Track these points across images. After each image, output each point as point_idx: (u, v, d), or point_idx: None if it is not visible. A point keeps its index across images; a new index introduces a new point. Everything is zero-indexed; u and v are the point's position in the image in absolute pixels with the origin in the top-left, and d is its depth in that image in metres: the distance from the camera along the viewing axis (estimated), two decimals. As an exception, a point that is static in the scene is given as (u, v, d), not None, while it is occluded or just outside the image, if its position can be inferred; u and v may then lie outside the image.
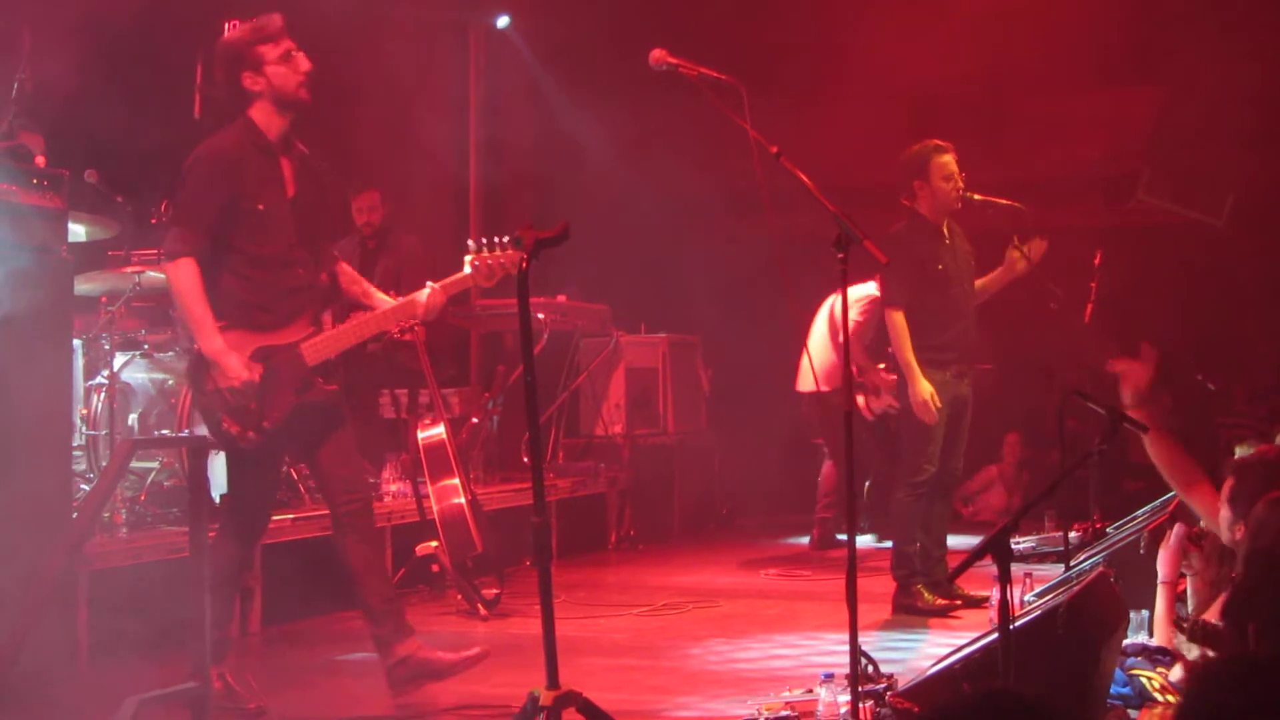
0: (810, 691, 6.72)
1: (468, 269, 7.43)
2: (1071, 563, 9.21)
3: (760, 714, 6.68)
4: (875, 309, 11.98)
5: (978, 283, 10.24)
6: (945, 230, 10.08)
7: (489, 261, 7.43)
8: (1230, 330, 16.86)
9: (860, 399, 12.48)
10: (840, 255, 6.35)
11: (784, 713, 6.62)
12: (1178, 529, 7.38)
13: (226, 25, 11.80)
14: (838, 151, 14.58)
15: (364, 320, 7.49)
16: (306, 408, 7.21)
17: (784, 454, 14.79)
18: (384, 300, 7.62)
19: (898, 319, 9.82)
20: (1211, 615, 6.49)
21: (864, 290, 12.38)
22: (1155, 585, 7.57)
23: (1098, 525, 11.38)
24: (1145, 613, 7.69)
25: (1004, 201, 10.00)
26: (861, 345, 12.54)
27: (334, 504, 7.40)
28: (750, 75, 7.02)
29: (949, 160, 9.98)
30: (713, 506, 14.60)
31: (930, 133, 10.25)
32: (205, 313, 7.05)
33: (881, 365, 12.45)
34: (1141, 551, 8.53)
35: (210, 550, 6.97)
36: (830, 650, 8.39)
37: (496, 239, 7.40)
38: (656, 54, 7.27)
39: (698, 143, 12.08)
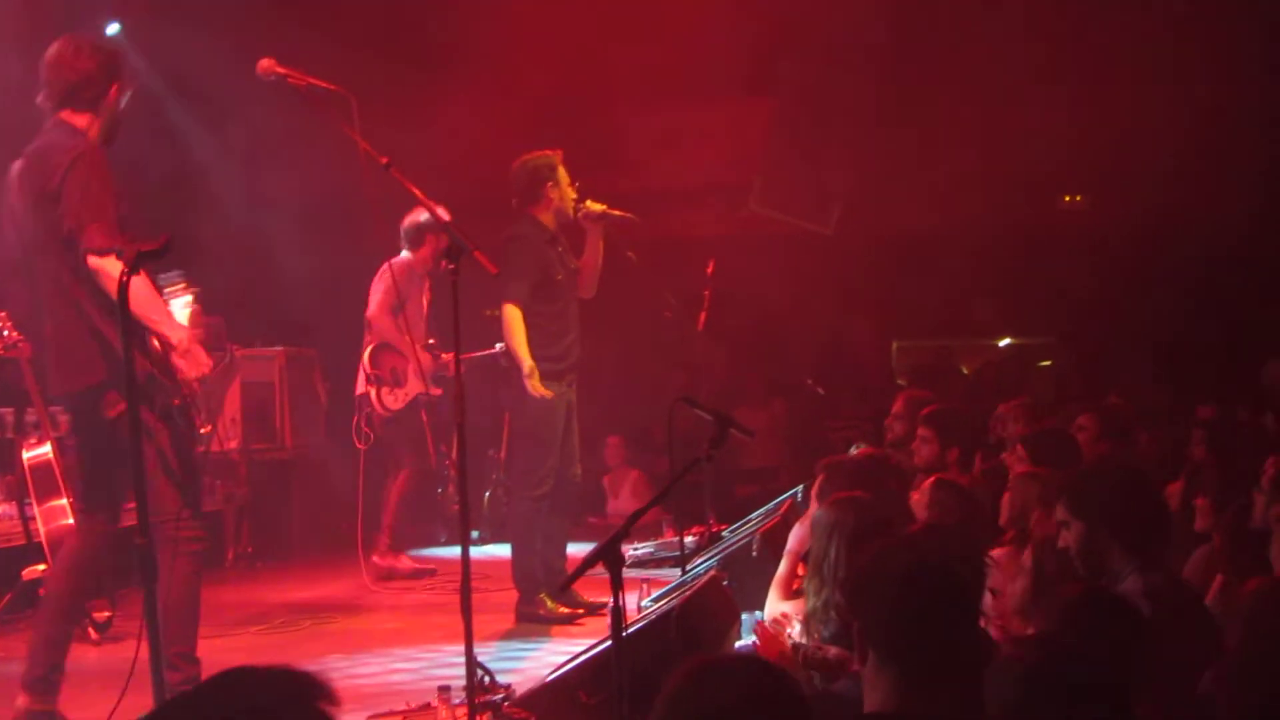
0: (428, 705, 6.68)
1: None
2: (688, 567, 9.38)
3: (379, 729, 6.64)
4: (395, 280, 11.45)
5: (580, 263, 10.29)
6: (559, 239, 10.16)
7: None
8: (840, 334, 17.40)
9: (374, 391, 12.07)
10: (451, 266, 6.35)
11: (401, 728, 6.59)
12: (814, 508, 7.56)
13: None
14: (455, 160, 14.56)
15: None
16: None
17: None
18: None
19: (515, 314, 9.80)
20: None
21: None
22: (768, 587, 7.75)
23: (714, 529, 11.61)
24: (758, 614, 7.86)
25: (616, 212, 10.11)
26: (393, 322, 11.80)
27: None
28: (369, 86, 6.99)
29: (565, 170, 10.08)
30: (332, 521, 14.40)
31: (548, 143, 10.30)
32: (163, 302, 6.88)
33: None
34: (754, 554, 8.73)
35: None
36: (450, 663, 8.37)
37: None
38: (264, 63, 7.19)
39: (312, 152, 11.90)
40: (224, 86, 12.83)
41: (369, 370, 11.87)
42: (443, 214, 7.23)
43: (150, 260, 6.00)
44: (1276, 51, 14.50)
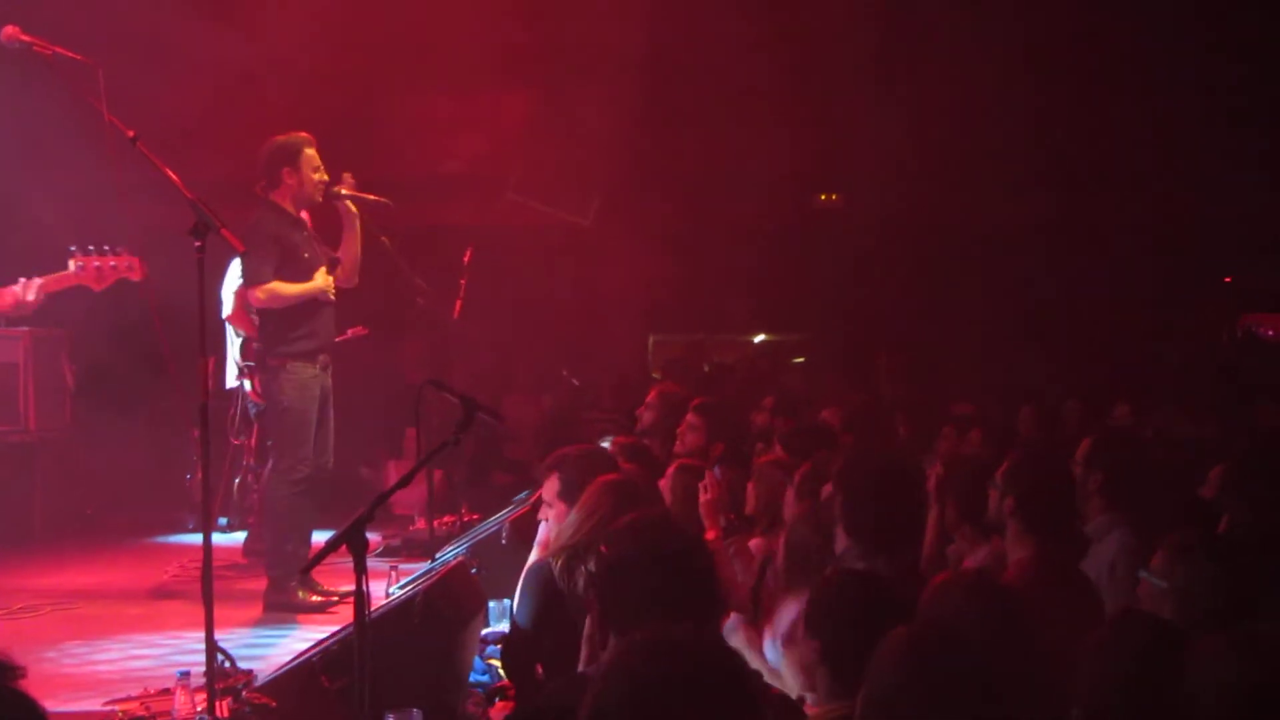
0: (168, 690, 6.57)
1: (72, 267, 7.50)
2: (437, 555, 9.35)
3: (118, 714, 6.52)
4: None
5: (339, 253, 10.19)
6: (305, 222, 10.09)
7: (99, 264, 7.52)
8: (597, 327, 17.46)
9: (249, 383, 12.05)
10: (198, 244, 6.27)
11: (139, 714, 6.48)
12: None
13: None
14: (207, 138, 14.31)
15: None
16: None
17: (155, 451, 14.43)
18: None
19: (269, 288, 9.74)
20: None
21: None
22: (518, 576, 7.76)
23: (466, 518, 11.59)
24: (507, 602, 7.86)
25: (371, 197, 10.06)
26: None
27: None
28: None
29: (315, 153, 9.97)
30: (77, 506, 14.08)
31: (303, 127, 10.18)
32: None
33: None
34: (504, 543, 8.74)
35: None
36: (193, 649, 8.18)
37: (106, 246, 7.50)
38: (8, 30, 7.02)
39: (58, 125, 11.61)
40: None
41: (240, 362, 11.95)
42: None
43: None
44: (1015, 60, 14.89)
